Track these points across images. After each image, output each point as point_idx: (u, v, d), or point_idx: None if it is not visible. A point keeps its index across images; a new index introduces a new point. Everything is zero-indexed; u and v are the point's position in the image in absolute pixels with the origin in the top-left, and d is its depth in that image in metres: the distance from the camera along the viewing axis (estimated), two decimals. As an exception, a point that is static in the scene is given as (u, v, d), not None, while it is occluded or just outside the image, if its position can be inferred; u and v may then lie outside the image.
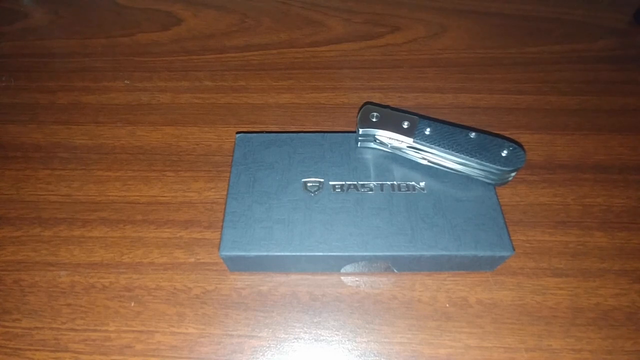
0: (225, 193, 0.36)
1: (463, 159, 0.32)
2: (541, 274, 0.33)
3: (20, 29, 0.53)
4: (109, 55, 0.50)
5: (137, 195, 0.37)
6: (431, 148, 0.32)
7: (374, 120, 0.34)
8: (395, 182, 0.33)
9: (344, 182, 0.33)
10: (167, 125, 0.43)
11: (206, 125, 0.43)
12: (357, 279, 0.33)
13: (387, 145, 0.34)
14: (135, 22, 0.54)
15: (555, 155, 0.40)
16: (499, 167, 0.31)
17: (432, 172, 0.34)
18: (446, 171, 0.34)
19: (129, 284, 0.32)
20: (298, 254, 0.30)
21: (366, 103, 0.44)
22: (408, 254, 0.30)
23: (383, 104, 0.44)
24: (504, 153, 0.32)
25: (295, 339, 0.30)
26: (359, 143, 0.35)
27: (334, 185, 0.33)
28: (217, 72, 0.48)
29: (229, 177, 0.34)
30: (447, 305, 0.31)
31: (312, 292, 0.32)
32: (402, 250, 0.30)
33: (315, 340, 0.30)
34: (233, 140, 0.40)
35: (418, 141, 0.33)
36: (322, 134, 0.36)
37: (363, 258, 0.30)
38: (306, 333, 0.30)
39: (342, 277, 0.33)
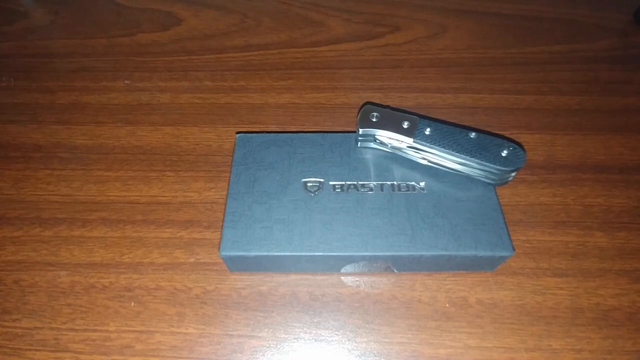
0: (225, 193, 0.36)
1: (463, 159, 0.32)
2: (541, 274, 0.33)
3: (21, 29, 0.53)
4: (109, 55, 0.50)
5: (137, 195, 0.37)
6: (431, 148, 0.32)
7: (374, 120, 0.34)
8: (395, 182, 0.33)
9: (344, 182, 0.33)
10: (167, 125, 0.43)
11: (206, 125, 0.43)
12: (357, 279, 0.33)
13: (387, 145, 0.34)
14: (135, 22, 0.54)
15: (555, 155, 0.40)
16: (499, 167, 0.31)
17: (432, 172, 0.34)
18: (446, 171, 0.34)
19: (129, 284, 0.32)
20: (298, 254, 0.30)
21: (366, 103, 0.44)
22: (408, 254, 0.30)
23: (383, 104, 0.44)
24: (504, 153, 0.32)
25: (295, 339, 0.30)
26: (359, 143, 0.35)
27: (334, 185, 0.33)
28: (217, 72, 0.48)
29: (229, 177, 0.34)
30: (447, 305, 0.31)
31: (312, 292, 0.32)
32: (402, 250, 0.30)
33: (315, 340, 0.30)
34: (233, 140, 0.40)
35: (418, 141, 0.33)
36: (322, 134, 0.36)
37: (363, 258, 0.30)
38: (306, 333, 0.30)
39: (342, 277, 0.33)
